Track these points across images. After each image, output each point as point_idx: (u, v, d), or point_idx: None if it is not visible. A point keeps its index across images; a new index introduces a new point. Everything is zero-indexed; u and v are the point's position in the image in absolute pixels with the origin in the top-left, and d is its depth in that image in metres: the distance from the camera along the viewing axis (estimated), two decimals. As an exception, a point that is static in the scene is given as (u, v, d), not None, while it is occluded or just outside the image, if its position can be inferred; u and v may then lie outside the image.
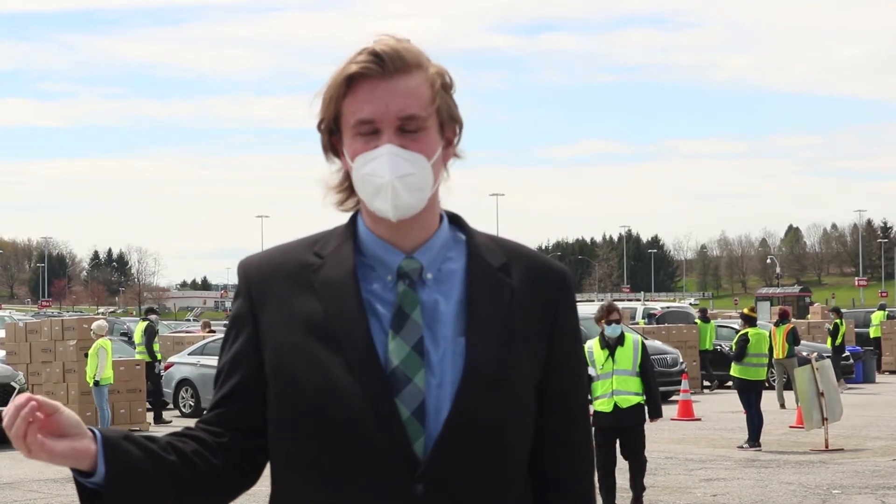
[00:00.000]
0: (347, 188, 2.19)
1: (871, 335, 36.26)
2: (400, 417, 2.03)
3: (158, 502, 2.11)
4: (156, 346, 23.82)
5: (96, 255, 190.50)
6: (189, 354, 23.60)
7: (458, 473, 2.05)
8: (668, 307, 42.85)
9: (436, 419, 2.04)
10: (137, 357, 22.39)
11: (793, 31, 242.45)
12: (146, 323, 24.05)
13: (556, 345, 2.19)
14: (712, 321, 31.63)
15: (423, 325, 2.10)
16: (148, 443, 2.09)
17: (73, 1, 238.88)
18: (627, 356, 11.32)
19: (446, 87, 2.15)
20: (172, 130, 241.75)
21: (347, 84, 2.10)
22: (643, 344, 11.61)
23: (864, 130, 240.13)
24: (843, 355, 29.33)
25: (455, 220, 2.23)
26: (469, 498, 2.07)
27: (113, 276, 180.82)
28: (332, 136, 2.16)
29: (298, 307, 2.12)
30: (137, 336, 23.89)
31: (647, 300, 70.22)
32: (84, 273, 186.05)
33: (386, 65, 2.09)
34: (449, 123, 2.16)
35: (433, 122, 2.12)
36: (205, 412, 2.21)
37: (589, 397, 2.26)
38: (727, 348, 27.58)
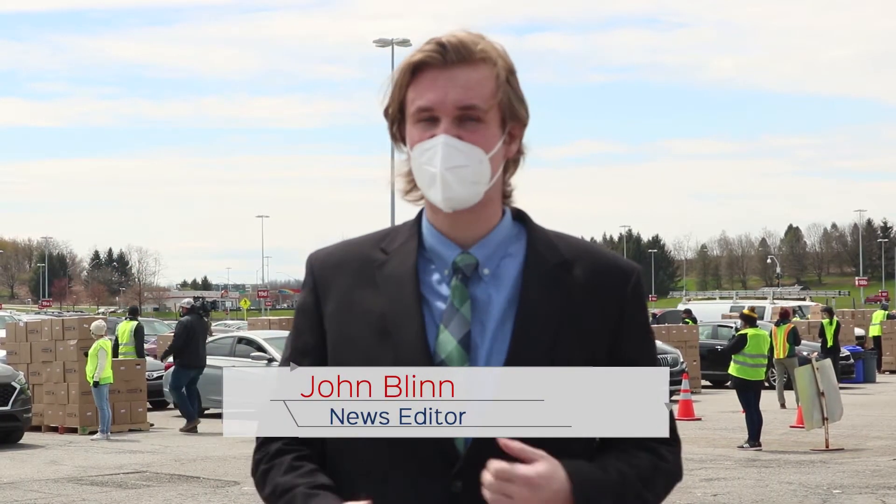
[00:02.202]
0: (413, 177, 2.19)
1: (871, 335, 36.22)
2: None
3: None
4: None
5: (97, 254, 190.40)
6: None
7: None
8: (800, 306, 40.80)
9: None
10: (121, 357, 22.30)
11: (782, 31, 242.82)
12: (135, 323, 24.00)
13: (620, 344, 2.14)
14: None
15: (472, 319, 2.09)
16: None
17: (63, 1, 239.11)
18: None
19: (512, 83, 2.14)
20: (169, 130, 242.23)
21: (412, 72, 2.11)
22: None
23: (860, 130, 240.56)
24: (843, 355, 29.25)
25: (519, 216, 2.21)
26: None
27: (113, 275, 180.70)
28: (400, 125, 2.16)
29: (359, 302, 2.14)
30: (125, 336, 23.76)
31: (777, 298, 62.70)
32: (84, 273, 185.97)
33: (448, 54, 2.09)
34: (512, 119, 2.14)
35: (494, 116, 2.11)
36: None
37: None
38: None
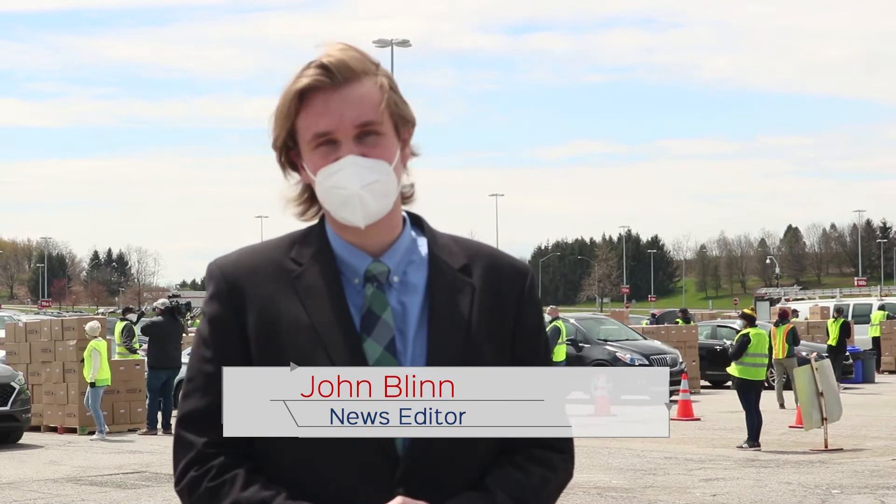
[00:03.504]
0: (307, 199, 2.21)
1: (871, 335, 36.20)
2: None
3: None
4: (136, 345, 23.92)
5: (96, 255, 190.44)
6: (188, 354, 23.53)
7: (434, 471, 2.09)
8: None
9: None
10: (117, 357, 22.32)
11: (777, 32, 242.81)
12: (124, 323, 24.11)
13: (519, 342, 2.21)
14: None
15: (394, 326, 2.13)
16: None
17: (57, 1, 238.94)
18: None
19: (394, 87, 2.17)
20: (166, 130, 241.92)
21: (300, 99, 2.13)
22: None
23: (856, 131, 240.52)
24: (845, 355, 29.27)
25: (416, 222, 2.26)
26: (446, 488, 2.09)
27: (113, 276, 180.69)
28: (290, 152, 2.18)
29: (283, 311, 2.13)
30: (118, 336, 23.90)
31: (886, 295, 57.04)
32: (84, 273, 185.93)
33: (335, 76, 2.11)
34: (402, 123, 2.18)
35: (388, 126, 2.15)
36: (192, 419, 2.13)
37: None
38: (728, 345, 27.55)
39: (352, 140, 2.11)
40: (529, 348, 2.22)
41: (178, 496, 2.15)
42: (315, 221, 2.23)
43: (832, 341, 28.49)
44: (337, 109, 2.11)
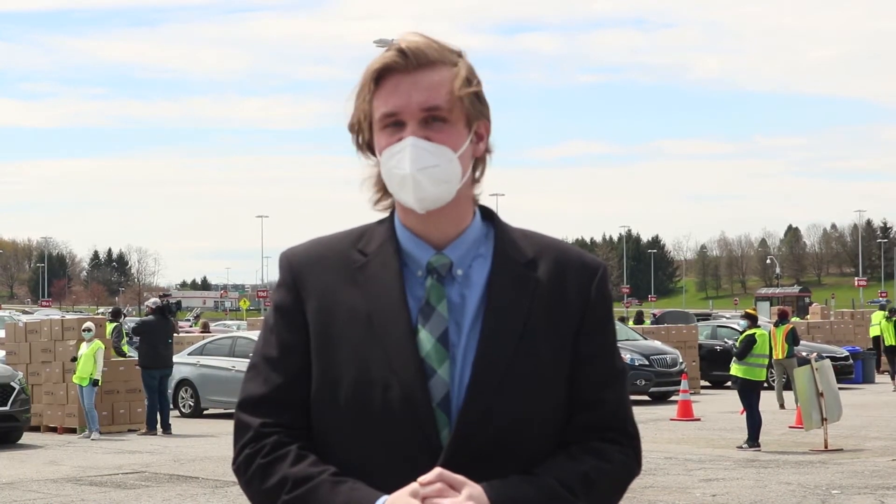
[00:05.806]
0: (382, 188, 2.22)
1: (871, 335, 36.20)
2: (431, 405, 2.09)
3: None
4: (125, 348, 23.97)
5: (96, 255, 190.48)
6: (188, 354, 23.62)
7: (477, 464, 2.09)
8: None
9: (457, 411, 2.09)
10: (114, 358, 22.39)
11: (767, 32, 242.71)
12: (114, 324, 24.18)
13: (585, 338, 2.19)
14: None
15: (448, 318, 2.13)
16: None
17: (48, 1, 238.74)
18: None
19: (472, 81, 2.18)
20: (163, 131, 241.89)
21: (376, 81, 2.15)
22: None
23: (851, 131, 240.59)
24: (842, 356, 29.30)
25: (487, 215, 2.25)
26: (489, 479, 2.07)
27: (113, 276, 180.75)
28: (366, 135, 2.19)
29: (342, 301, 2.16)
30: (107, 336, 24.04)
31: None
32: (84, 273, 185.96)
33: (409, 59, 2.13)
34: (477, 117, 2.18)
35: (459, 115, 2.15)
36: (251, 402, 2.18)
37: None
38: (730, 344, 27.55)
39: (417, 123, 2.12)
40: (594, 346, 2.20)
41: (235, 475, 2.20)
42: (386, 210, 2.24)
43: (890, 341, 28.64)
44: (406, 91, 2.12)
